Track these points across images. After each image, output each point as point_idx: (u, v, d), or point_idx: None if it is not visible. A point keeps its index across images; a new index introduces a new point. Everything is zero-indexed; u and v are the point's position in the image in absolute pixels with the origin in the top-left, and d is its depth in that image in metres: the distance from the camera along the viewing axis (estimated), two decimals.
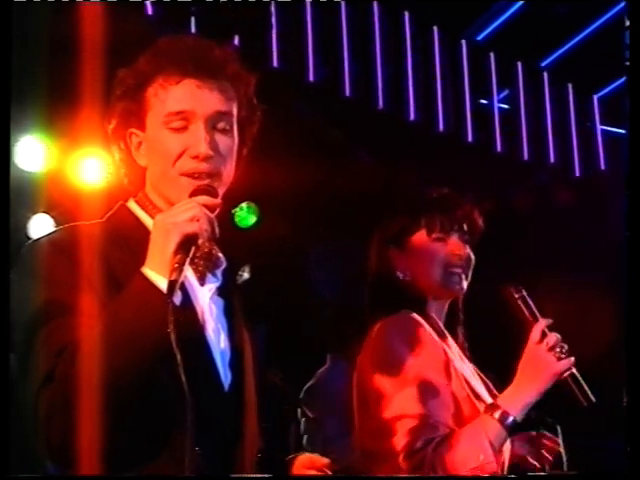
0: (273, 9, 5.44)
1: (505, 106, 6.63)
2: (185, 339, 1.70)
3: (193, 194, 1.87)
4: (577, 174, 6.80)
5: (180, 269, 1.74)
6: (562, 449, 2.71)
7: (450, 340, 2.75)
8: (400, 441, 2.53)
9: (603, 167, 6.87)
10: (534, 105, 6.66)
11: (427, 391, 2.55)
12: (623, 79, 6.44)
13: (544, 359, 2.47)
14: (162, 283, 1.76)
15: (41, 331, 1.81)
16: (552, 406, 2.73)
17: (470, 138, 6.38)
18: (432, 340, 2.63)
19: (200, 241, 1.80)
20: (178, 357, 1.67)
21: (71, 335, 1.78)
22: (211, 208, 1.84)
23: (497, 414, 2.48)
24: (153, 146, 1.97)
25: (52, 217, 5.12)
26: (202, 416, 1.72)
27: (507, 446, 2.61)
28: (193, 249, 1.79)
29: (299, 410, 4.96)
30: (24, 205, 5.07)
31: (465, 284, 2.74)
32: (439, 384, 2.57)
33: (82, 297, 1.82)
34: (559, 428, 2.83)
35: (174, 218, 1.80)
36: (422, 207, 2.78)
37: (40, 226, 5.07)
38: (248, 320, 2.11)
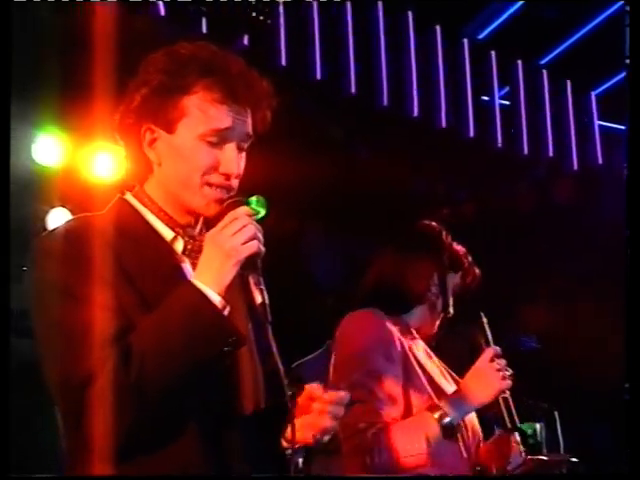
0: (281, 10, 5.56)
1: (506, 102, 6.68)
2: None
3: (229, 207, 1.92)
4: (575, 167, 6.86)
5: (264, 289, 1.87)
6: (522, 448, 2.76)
7: (419, 339, 2.93)
8: (343, 422, 2.74)
9: (600, 161, 6.94)
10: (533, 101, 6.71)
11: (374, 380, 2.71)
12: (620, 76, 6.55)
13: (492, 376, 2.68)
14: (214, 296, 1.85)
15: (64, 322, 1.85)
16: (550, 396, 2.89)
17: (472, 133, 6.44)
18: (390, 335, 2.79)
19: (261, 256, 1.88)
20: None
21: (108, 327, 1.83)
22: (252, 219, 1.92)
23: (437, 414, 2.67)
24: (182, 152, 1.99)
25: (68, 210, 5.11)
26: (212, 409, 1.84)
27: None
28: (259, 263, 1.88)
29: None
30: (39, 198, 5.11)
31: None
32: (388, 375, 2.73)
33: (96, 287, 1.86)
34: (556, 414, 2.95)
35: (233, 241, 1.86)
36: None
37: (57, 219, 5.05)
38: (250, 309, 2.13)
